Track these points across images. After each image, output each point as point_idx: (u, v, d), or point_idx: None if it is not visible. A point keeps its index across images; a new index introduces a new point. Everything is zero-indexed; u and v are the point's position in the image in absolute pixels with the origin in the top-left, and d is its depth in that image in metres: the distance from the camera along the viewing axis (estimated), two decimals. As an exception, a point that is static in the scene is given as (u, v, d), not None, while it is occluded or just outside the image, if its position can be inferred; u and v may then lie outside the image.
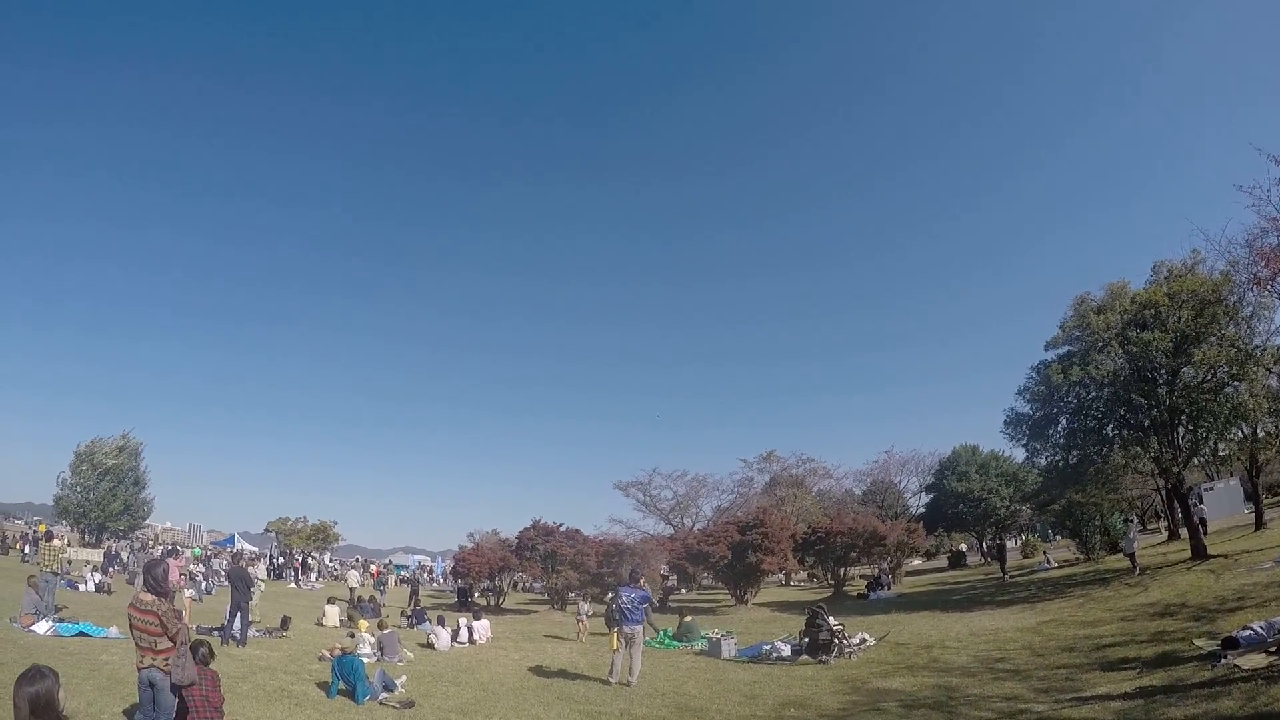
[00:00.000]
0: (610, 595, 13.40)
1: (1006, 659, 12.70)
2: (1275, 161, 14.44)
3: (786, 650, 15.16)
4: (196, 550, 49.88)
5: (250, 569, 24.50)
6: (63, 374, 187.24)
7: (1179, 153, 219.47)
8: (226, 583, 21.80)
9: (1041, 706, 9.04)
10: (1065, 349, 24.27)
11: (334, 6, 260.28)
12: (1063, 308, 24.85)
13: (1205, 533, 23.15)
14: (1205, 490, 32.96)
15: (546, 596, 33.95)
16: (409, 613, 24.10)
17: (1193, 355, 21.17)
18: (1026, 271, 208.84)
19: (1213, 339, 21.17)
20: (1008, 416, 26.43)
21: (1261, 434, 24.74)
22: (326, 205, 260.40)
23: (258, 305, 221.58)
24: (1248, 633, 9.95)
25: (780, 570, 34.14)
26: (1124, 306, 23.00)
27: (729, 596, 31.42)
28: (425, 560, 69.90)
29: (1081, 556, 29.97)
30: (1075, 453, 24.28)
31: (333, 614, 21.67)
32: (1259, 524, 25.78)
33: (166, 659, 6.32)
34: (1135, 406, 21.86)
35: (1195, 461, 25.36)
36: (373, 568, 52.00)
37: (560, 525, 32.67)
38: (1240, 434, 24.22)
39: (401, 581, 47.81)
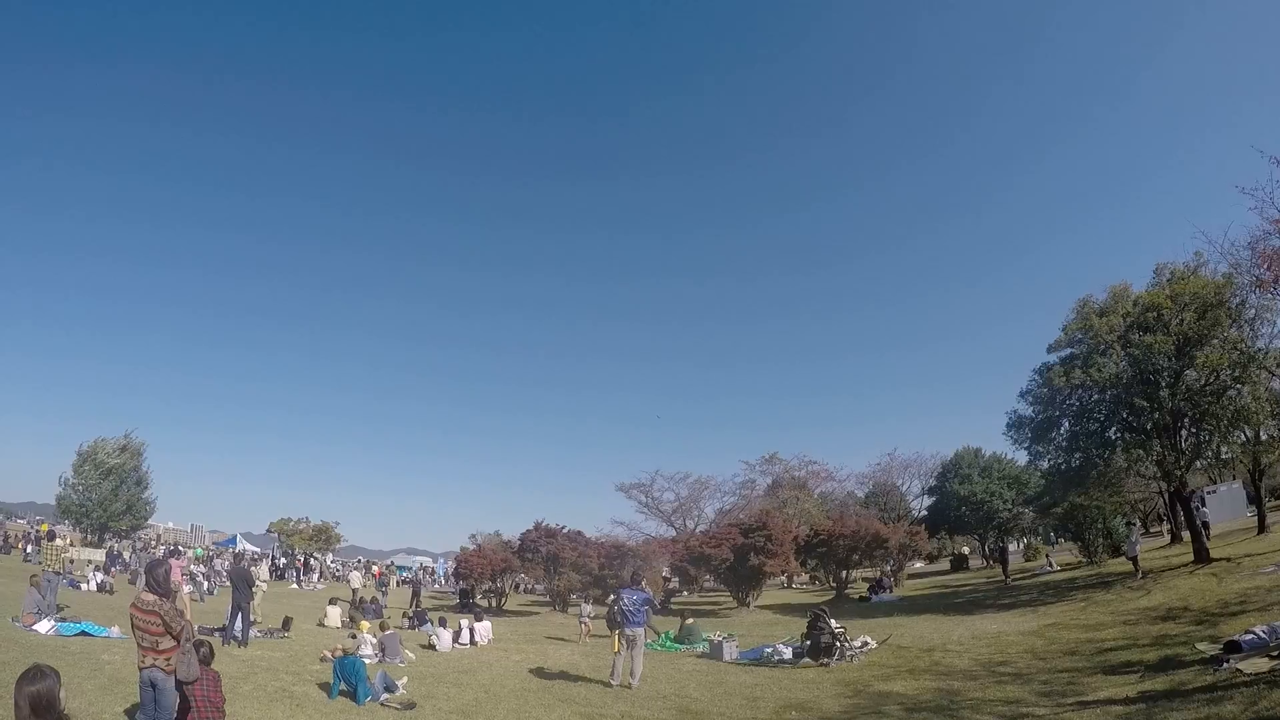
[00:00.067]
0: (612, 597, 13.40)
1: (1008, 662, 12.68)
2: (1277, 163, 14.40)
3: (788, 653, 15.15)
4: (199, 550, 49.95)
5: (253, 569, 24.54)
6: (65, 372, 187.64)
7: (1181, 155, 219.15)
8: (228, 583, 21.81)
9: (1043, 710, 9.03)
10: (1068, 351, 24.25)
11: (334, 2, 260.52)
12: (1065, 310, 24.88)
13: (1208, 536, 23.07)
14: (1208, 494, 32.85)
15: (548, 598, 33.99)
16: (410, 614, 24.10)
17: (1195, 358, 21.14)
18: (1029, 273, 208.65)
19: (1215, 342, 21.14)
20: (1010, 419, 26.44)
21: (1264, 437, 24.67)
22: (330, 202, 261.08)
23: (260, 302, 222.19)
24: (1250, 637, 9.92)
25: (782, 573, 34.12)
26: (1126, 309, 22.98)
27: (731, 599, 31.39)
28: (427, 561, 69.93)
29: (1084, 560, 29.89)
30: (1078, 455, 24.24)
31: (334, 615, 21.67)
32: (1262, 527, 25.72)
33: (168, 659, 6.33)
34: (1138, 409, 21.81)
35: (1198, 465, 25.23)
36: (375, 569, 52.03)
37: (562, 527, 32.77)
38: (1243, 437, 24.16)
39: (403, 583, 47.83)
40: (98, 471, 44.29)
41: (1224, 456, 25.28)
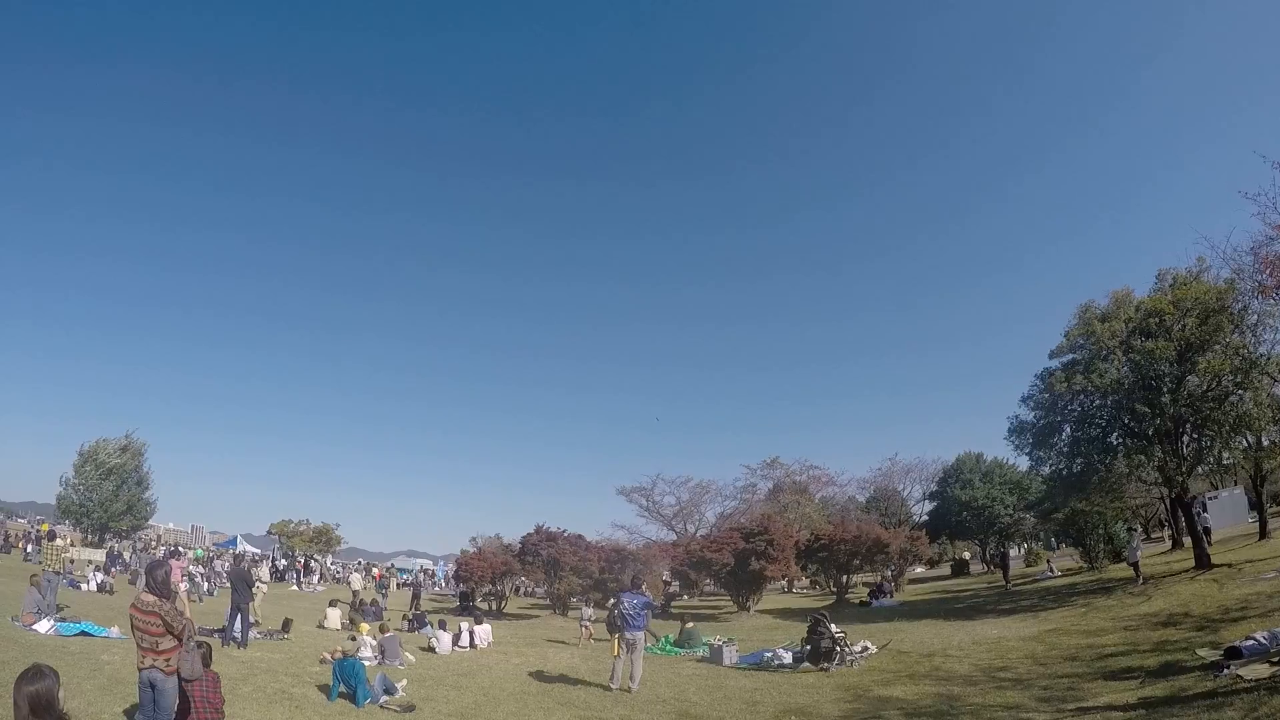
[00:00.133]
0: (612, 601, 13.40)
1: (1009, 668, 12.65)
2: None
3: (788, 657, 15.13)
4: (199, 551, 49.94)
5: (254, 571, 24.56)
6: (66, 372, 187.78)
7: (1183, 160, 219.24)
8: (228, 584, 21.82)
9: (1043, 716, 9.02)
10: (1069, 357, 24.26)
11: (335, 3, 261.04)
12: (1067, 315, 24.89)
13: (1209, 542, 23.04)
14: (1209, 499, 32.78)
15: (548, 601, 33.95)
16: (410, 616, 24.09)
17: (1197, 364, 21.14)
18: (1031, 278, 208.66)
19: (1217, 347, 21.15)
20: (1011, 424, 26.45)
21: (1266, 443, 24.63)
22: (331, 203, 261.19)
23: (260, 303, 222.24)
24: (1251, 642, 9.90)
25: (783, 577, 34.07)
26: (1129, 314, 22.98)
27: (731, 603, 31.35)
28: (427, 564, 69.88)
29: (1085, 565, 29.86)
30: (1079, 461, 24.24)
31: (334, 617, 21.67)
32: (1263, 533, 25.69)
33: (168, 659, 6.34)
34: (1139, 415, 21.79)
35: (1199, 470, 25.22)
36: (375, 571, 52.01)
37: (563, 530, 32.74)
38: (1245, 443, 24.13)
39: (403, 585, 47.80)
40: (98, 472, 44.32)
41: (1225, 462, 25.27)
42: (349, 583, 36.83)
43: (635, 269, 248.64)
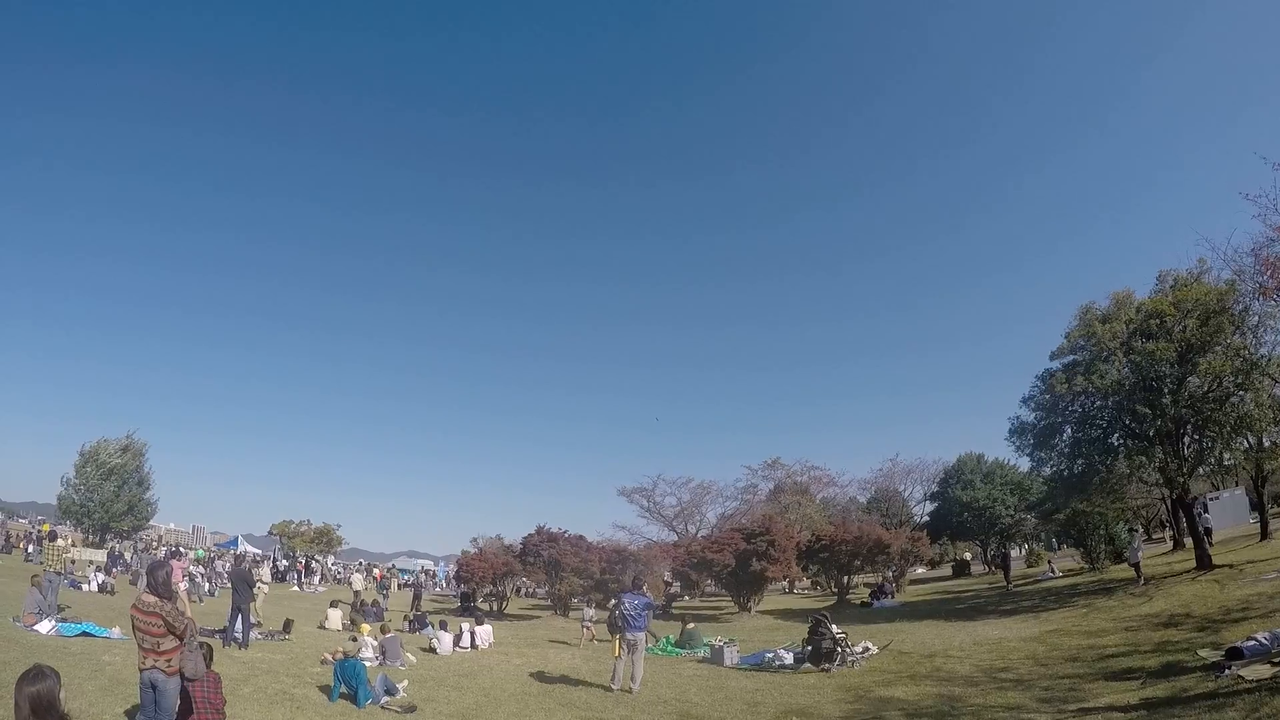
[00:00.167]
0: (613, 602, 13.41)
1: (1010, 668, 12.65)
2: (1280, 169, 14.37)
3: (789, 658, 15.13)
4: (200, 552, 49.99)
5: (256, 571, 24.58)
6: (67, 373, 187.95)
7: (1183, 160, 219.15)
8: (229, 584, 21.83)
9: (1045, 717, 9.03)
10: (1070, 358, 24.25)
11: (336, 3, 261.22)
12: (1068, 316, 24.88)
13: (1210, 543, 23.02)
14: (1210, 500, 32.76)
15: (549, 602, 33.95)
16: (411, 617, 24.10)
17: (1198, 365, 21.12)
18: (1032, 279, 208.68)
19: (1218, 348, 21.13)
20: (1012, 425, 26.44)
21: (1267, 444, 24.61)
22: (333, 203, 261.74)
23: (261, 304, 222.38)
24: (1252, 643, 9.90)
25: (784, 578, 34.05)
26: (1129, 316, 22.97)
27: (732, 604, 31.35)
28: (428, 564, 69.92)
29: (1086, 566, 29.82)
30: (1080, 462, 24.24)
31: (335, 617, 21.68)
32: (1264, 534, 25.68)
33: (169, 660, 6.34)
34: (1140, 416, 21.78)
35: (1200, 471, 25.21)
36: (376, 571, 52.04)
37: (564, 531, 32.74)
38: (1246, 444, 24.11)
39: (404, 586, 47.82)
40: (99, 472, 44.39)
41: (1226, 463, 25.26)
42: (350, 583, 36.85)
43: (635, 269, 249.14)
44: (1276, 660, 8.97)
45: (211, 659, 8.28)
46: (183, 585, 21.02)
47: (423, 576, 55.46)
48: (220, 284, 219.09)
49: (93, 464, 44.63)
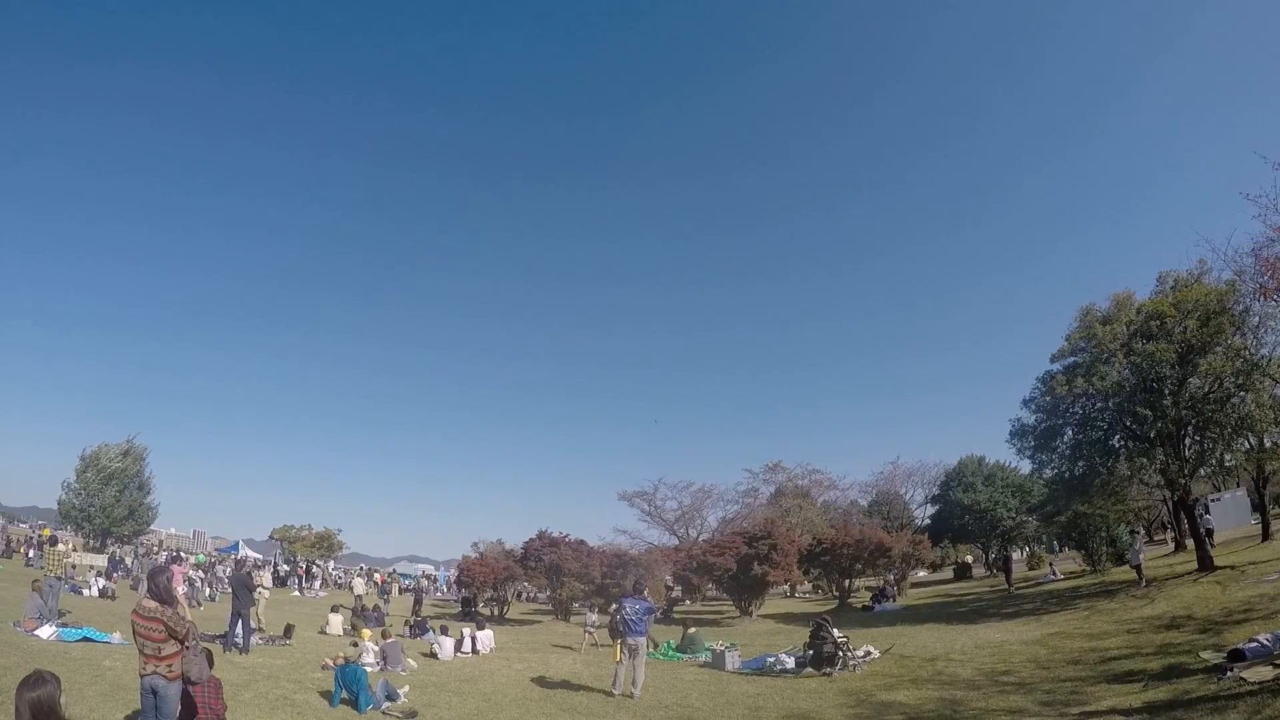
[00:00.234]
0: (614, 607, 13.40)
1: (1011, 672, 12.63)
2: (1280, 169, 14.38)
3: (791, 662, 15.12)
4: (200, 557, 49.94)
5: (257, 576, 24.57)
6: (67, 376, 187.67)
7: (1184, 160, 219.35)
8: (230, 589, 21.84)
9: None
10: (1071, 360, 24.25)
11: (333, 4, 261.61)
12: (1068, 318, 24.89)
13: (1212, 544, 23.00)
14: (1212, 501, 32.74)
15: (551, 607, 33.92)
16: (412, 622, 24.08)
17: (1199, 366, 21.12)
18: (1032, 281, 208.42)
19: (1219, 349, 21.13)
20: (1013, 427, 26.42)
21: (1268, 444, 24.61)
22: (333, 205, 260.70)
23: (263, 306, 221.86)
24: (1254, 645, 9.89)
25: (786, 582, 34.01)
26: (1130, 317, 22.97)
27: (733, 608, 31.32)
28: (429, 569, 69.85)
29: (1087, 568, 29.81)
30: (1081, 464, 24.22)
31: (336, 622, 21.66)
32: (1266, 535, 25.65)
33: (170, 665, 6.34)
34: (1141, 418, 21.78)
35: (1202, 472, 25.20)
36: (377, 576, 52.02)
37: (566, 535, 32.68)
38: (1247, 444, 24.10)
39: (405, 590, 47.78)
40: (100, 476, 44.40)
41: (1228, 464, 25.25)
42: (352, 588, 36.82)
43: (635, 271, 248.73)
44: (1278, 662, 8.96)
45: (212, 664, 8.28)
46: (181, 590, 21.05)
47: (424, 581, 55.45)
48: (220, 286, 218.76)
49: (93, 468, 44.65)
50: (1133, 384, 22.04)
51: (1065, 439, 24.95)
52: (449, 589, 52.73)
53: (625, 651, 12.56)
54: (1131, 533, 30.23)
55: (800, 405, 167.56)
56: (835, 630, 14.80)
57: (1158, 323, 21.82)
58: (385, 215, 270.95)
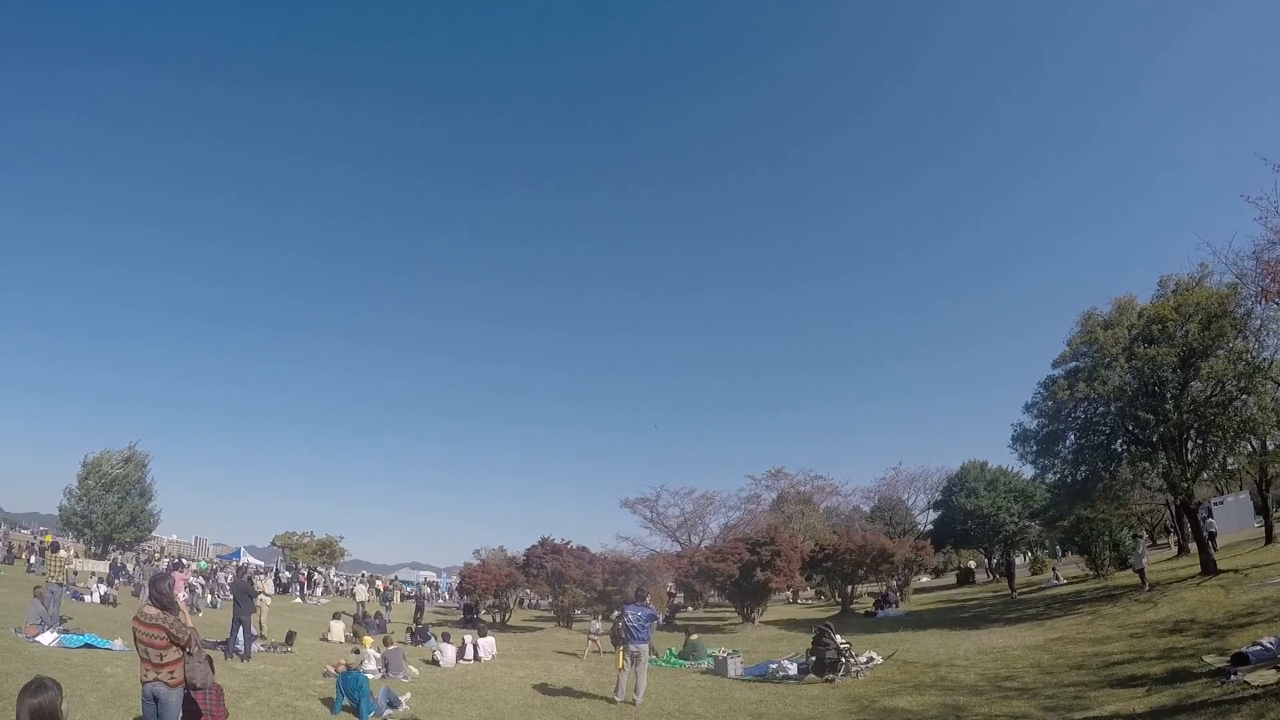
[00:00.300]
0: (617, 614, 13.39)
1: (1015, 677, 12.60)
2: (1281, 171, 14.40)
3: (793, 669, 15.08)
4: (202, 564, 49.98)
5: (259, 583, 24.56)
6: (69, 382, 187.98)
7: (1184, 162, 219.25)
8: (231, 596, 21.84)
9: (1050, 725, 8.98)
10: (1072, 364, 24.25)
11: (336, 7, 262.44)
12: (1069, 323, 24.90)
13: (1215, 548, 22.97)
14: (1215, 505, 32.67)
15: (553, 614, 33.87)
16: (414, 629, 24.05)
17: (1200, 369, 21.11)
18: (1033, 286, 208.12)
19: (1220, 353, 21.11)
20: (1015, 432, 26.39)
21: (1271, 447, 24.61)
22: (335, 210, 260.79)
23: (265, 313, 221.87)
24: (1258, 648, 9.87)
25: (788, 588, 33.96)
26: (1131, 321, 22.98)
27: (736, 614, 31.26)
28: (431, 576, 69.84)
29: (1091, 573, 29.73)
30: (1083, 468, 24.18)
31: (338, 629, 21.66)
32: (1269, 538, 25.57)
33: (171, 672, 6.33)
34: (1143, 422, 21.77)
35: (1204, 476, 25.17)
36: (379, 583, 51.99)
37: (568, 542, 32.67)
38: (1250, 447, 24.08)
39: (407, 597, 47.74)
40: (101, 483, 44.42)
41: (1230, 467, 25.27)
42: (354, 595, 36.80)
43: (637, 276, 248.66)
44: (1283, 666, 8.94)
45: (213, 670, 8.27)
46: (182, 596, 21.04)
47: (426, 588, 55.41)
48: (221, 292, 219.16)
49: (95, 475, 44.66)
50: (1134, 388, 22.03)
51: (1067, 443, 24.92)
52: (451, 596, 52.76)
53: (627, 658, 12.54)
54: (1134, 537, 30.15)
55: (802, 411, 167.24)
56: (838, 636, 14.77)
57: (1159, 327, 21.82)
58: (386, 220, 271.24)
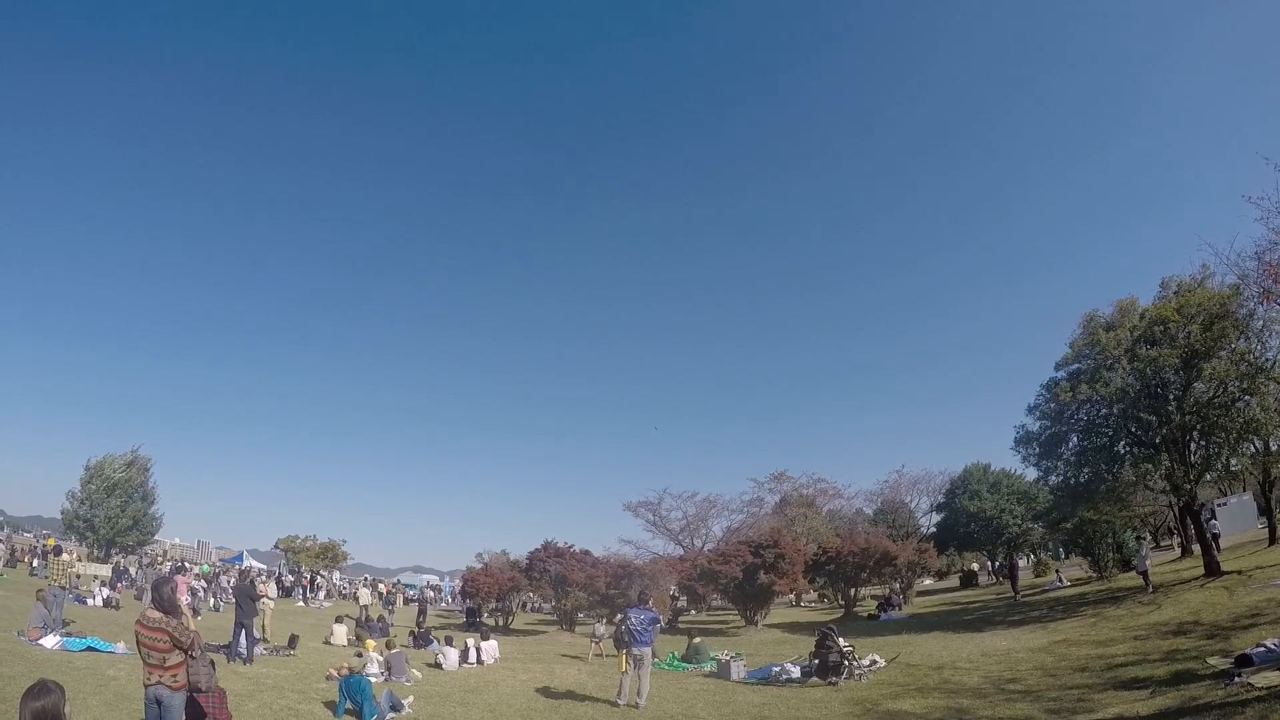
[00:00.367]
0: (619, 617, 13.39)
1: (1018, 679, 12.57)
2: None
3: (796, 672, 15.05)
4: (205, 567, 49.97)
5: (262, 586, 24.56)
6: (72, 386, 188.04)
7: (1185, 163, 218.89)
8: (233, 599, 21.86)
9: (1053, 727, 8.96)
10: (1075, 367, 24.21)
11: (340, 18, 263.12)
12: (1072, 325, 24.87)
13: (1218, 549, 22.93)
14: (1218, 506, 32.64)
15: (556, 617, 33.85)
16: (416, 632, 24.05)
17: (1203, 370, 21.05)
18: (1035, 289, 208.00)
19: (1223, 354, 21.06)
20: (1018, 434, 26.34)
21: (1274, 448, 24.52)
22: (336, 220, 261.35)
23: (268, 319, 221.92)
24: (1262, 650, 9.85)
25: (791, 591, 33.91)
26: (1133, 323, 22.94)
27: (739, 617, 31.22)
28: (434, 580, 69.82)
29: (1094, 575, 29.65)
30: (1086, 470, 24.12)
31: (340, 633, 21.67)
32: (1273, 539, 25.53)
33: (174, 675, 6.34)
34: (1145, 423, 21.73)
35: (1207, 477, 25.11)
36: (381, 586, 51.99)
37: (571, 546, 32.68)
38: (1252, 448, 24.01)
39: (410, 601, 47.73)
40: (104, 487, 44.52)
41: (1233, 469, 25.21)
42: (357, 598, 36.81)
43: (641, 287, 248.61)
44: (1287, 668, 8.91)
45: (215, 674, 8.28)
46: (185, 600, 21.00)
47: (429, 592, 55.42)
48: (225, 299, 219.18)
49: (98, 479, 44.77)
50: (1137, 390, 21.99)
51: (1070, 445, 24.86)
52: (454, 599, 52.74)
53: (630, 661, 12.53)
54: (1138, 539, 30.13)
55: (805, 415, 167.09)
56: (841, 639, 14.75)
57: (1161, 328, 21.78)
58: (388, 230, 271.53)
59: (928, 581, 46.71)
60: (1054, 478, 26.33)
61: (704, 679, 16.13)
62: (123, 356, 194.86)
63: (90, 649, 14.49)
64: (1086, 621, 19.12)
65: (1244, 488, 35.56)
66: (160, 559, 53.03)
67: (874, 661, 15.28)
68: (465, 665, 17.94)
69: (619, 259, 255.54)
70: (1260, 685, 8.56)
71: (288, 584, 47.01)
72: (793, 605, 43.02)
